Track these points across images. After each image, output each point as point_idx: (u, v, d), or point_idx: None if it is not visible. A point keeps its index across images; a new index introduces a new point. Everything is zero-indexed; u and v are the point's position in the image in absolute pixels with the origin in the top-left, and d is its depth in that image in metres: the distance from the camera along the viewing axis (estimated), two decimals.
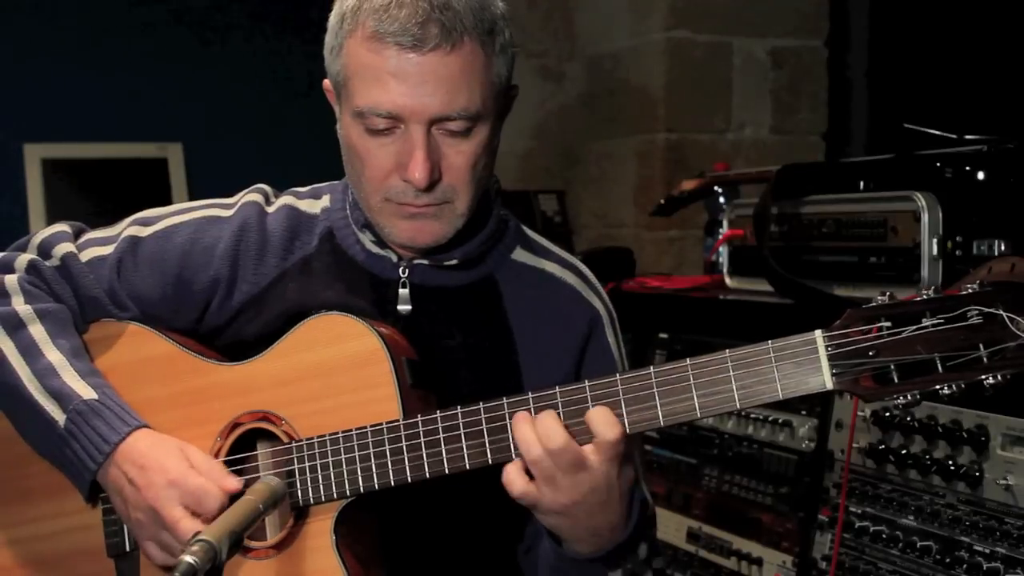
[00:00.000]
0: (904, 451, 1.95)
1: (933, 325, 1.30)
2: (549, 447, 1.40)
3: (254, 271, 1.69)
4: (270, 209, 1.74)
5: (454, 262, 1.67)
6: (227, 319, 1.70)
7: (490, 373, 1.67)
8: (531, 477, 1.44)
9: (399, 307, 1.67)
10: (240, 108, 4.05)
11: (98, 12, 3.89)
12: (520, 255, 1.75)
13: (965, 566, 1.83)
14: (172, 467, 1.53)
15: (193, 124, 4.01)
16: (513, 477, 1.44)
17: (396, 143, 1.53)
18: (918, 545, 1.91)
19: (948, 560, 1.86)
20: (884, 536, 1.98)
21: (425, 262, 1.67)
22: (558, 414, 1.43)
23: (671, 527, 2.51)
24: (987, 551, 1.80)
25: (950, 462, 1.86)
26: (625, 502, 1.48)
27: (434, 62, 1.49)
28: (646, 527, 1.58)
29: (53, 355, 1.62)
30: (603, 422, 1.41)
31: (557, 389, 1.46)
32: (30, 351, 1.62)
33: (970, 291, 1.30)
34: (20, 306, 1.65)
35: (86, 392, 1.58)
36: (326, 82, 1.64)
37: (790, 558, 2.21)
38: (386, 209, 1.59)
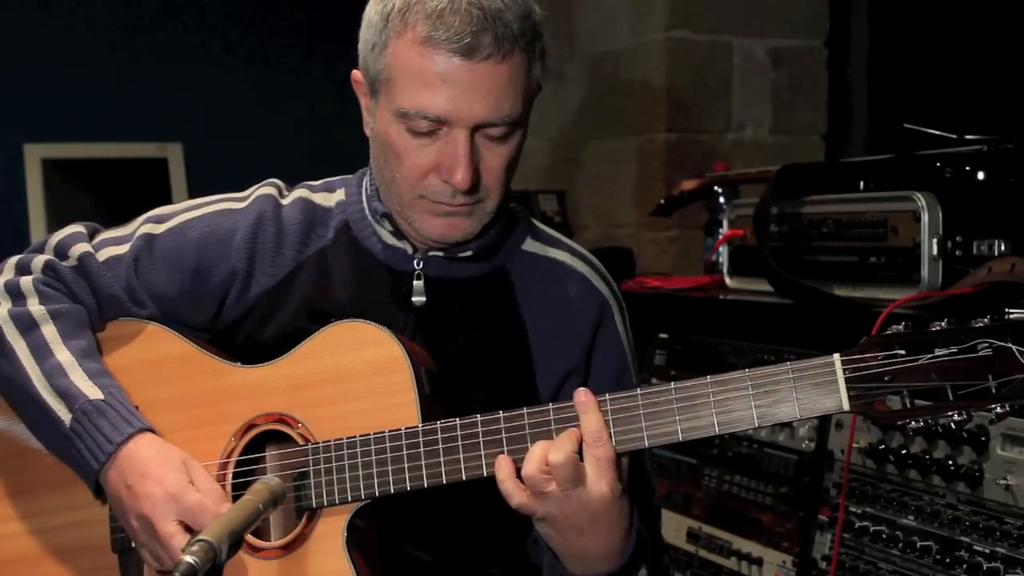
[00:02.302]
0: (904, 451, 1.95)
1: (946, 355, 1.33)
2: (551, 460, 1.41)
3: (271, 263, 1.70)
4: (285, 201, 1.75)
5: (468, 253, 1.69)
6: (244, 312, 1.71)
7: (503, 363, 1.68)
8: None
9: (413, 299, 1.68)
10: (240, 108, 4.05)
11: (98, 12, 3.89)
12: (530, 245, 1.76)
13: (965, 566, 1.83)
14: (172, 480, 1.52)
15: (193, 124, 4.00)
16: (508, 486, 1.45)
17: (437, 144, 1.55)
18: (918, 545, 1.91)
19: (948, 560, 1.86)
20: (884, 536, 1.98)
21: (440, 254, 1.69)
22: (576, 425, 1.44)
23: (671, 527, 2.51)
24: (987, 551, 1.80)
25: (950, 462, 1.86)
26: (619, 532, 1.48)
27: (487, 71, 1.51)
28: (646, 550, 1.56)
29: (63, 355, 1.62)
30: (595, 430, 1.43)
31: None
32: (40, 351, 1.62)
33: (982, 324, 1.33)
34: (34, 307, 1.66)
35: (93, 392, 1.58)
36: (356, 72, 1.64)
37: (790, 558, 2.21)
38: (419, 205, 1.60)
